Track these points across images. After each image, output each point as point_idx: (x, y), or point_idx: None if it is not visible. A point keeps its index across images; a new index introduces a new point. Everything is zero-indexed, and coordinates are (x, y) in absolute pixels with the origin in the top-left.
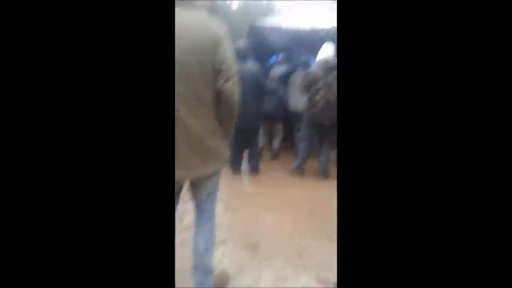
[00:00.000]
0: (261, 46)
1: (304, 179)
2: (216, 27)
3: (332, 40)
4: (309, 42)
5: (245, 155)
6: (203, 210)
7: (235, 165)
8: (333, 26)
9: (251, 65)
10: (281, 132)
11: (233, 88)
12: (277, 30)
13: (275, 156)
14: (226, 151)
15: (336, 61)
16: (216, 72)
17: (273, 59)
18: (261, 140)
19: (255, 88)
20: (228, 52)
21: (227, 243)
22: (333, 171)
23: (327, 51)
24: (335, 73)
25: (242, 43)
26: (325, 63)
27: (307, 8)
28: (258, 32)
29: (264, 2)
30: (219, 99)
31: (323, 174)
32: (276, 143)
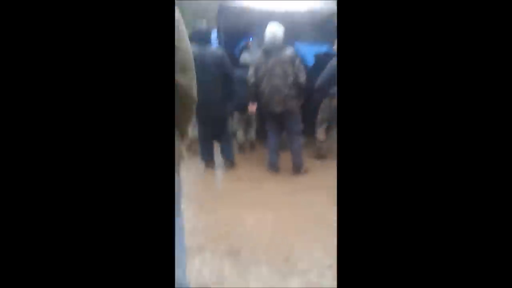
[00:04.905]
0: (231, 28)
1: (281, 172)
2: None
3: (310, 23)
4: (284, 24)
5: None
6: None
7: (207, 158)
8: (308, 8)
9: (214, 49)
10: (254, 121)
11: (191, 84)
12: (249, 12)
13: (251, 147)
14: (183, 153)
15: (278, 43)
16: None
17: (242, 43)
18: (237, 131)
19: (219, 74)
20: (181, 37)
21: (205, 251)
22: (309, 164)
23: (273, 31)
24: (274, 58)
25: (202, 24)
26: (266, 49)
27: None
28: (228, 13)
29: None
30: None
31: (273, 167)
32: (251, 133)
